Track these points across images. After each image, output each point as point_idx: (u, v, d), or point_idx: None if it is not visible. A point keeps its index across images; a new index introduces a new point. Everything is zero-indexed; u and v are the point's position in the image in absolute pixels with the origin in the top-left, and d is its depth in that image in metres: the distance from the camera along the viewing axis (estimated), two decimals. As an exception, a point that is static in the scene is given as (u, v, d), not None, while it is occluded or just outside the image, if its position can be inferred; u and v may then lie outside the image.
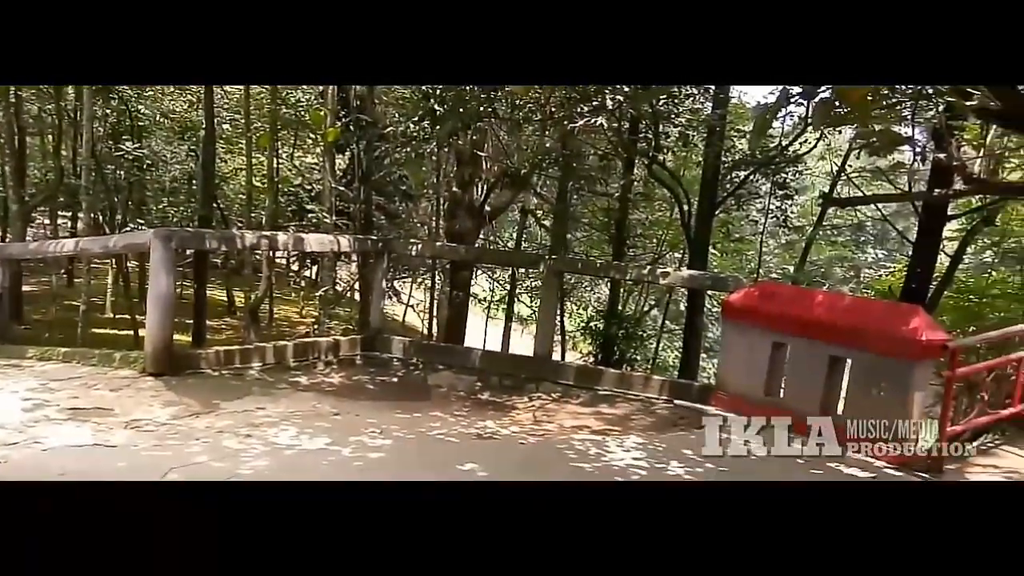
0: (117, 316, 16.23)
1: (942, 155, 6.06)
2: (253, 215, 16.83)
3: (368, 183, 12.35)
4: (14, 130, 13.45)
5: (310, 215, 15.91)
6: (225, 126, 17.80)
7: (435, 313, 17.90)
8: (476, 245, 15.14)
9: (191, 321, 13.97)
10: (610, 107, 8.56)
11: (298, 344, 8.87)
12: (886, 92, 5.27)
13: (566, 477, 5.28)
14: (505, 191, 15.22)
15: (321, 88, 14.41)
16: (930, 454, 6.02)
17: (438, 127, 9.55)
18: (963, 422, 6.31)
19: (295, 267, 25.17)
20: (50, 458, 4.72)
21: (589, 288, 20.19)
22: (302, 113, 16.02)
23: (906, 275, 11.92)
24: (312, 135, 17.53)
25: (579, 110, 8.71)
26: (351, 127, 11.45)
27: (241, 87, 14.80)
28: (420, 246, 11.68)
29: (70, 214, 19.17)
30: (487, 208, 14.79)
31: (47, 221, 19.83)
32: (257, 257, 14.70)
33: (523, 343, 19.07)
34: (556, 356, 14.94)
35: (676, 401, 7.99)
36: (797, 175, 14.96)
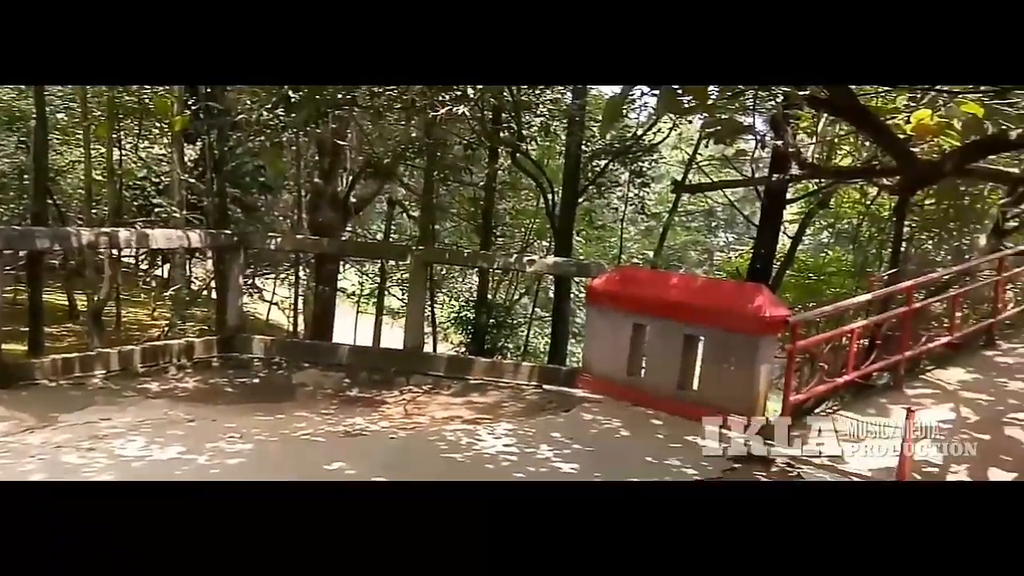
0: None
1: (779, 142, 6.53)
2: (94, 211, 15.51)
3: (221, 174, 11.65)
4: None
5: (158, 210, 14.86)
6: (60, 115, 16.27)
7: (301, 310, 17.30)
8: (344, 238, 14.74)
9: (27, 329, 12.70)
10: (472, 96, 8.55)
11: (147, 348, 8.25)
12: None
13: (438, 469, 5.25)
14: (370, 182, 14.90)
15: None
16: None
17: (294, 114, 9.15)
18: (805, 391, 6.84)
19: (145, 266, 23.48)
20: None
21: (460, 279, 20.21)
22: (146, 101, 14.90)
23: (751, 256, 12.73)
24: (158, 124, 16.33)
25: (441, 99, 8.63)
26: (201, 115, 10.75)
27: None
28: (280, 240, 11.19)
29: None
30: (352, 199, 14.42)
31: None
32: (100, 257, 13.58)
33: (395, 337, 18.82)
34: (428, 348, 14.89)
35: (545, 386, 8.14)
36: (653, 164, 15.62)
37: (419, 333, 9.75)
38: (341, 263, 16.35)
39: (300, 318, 17.30)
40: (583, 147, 13.40)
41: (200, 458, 5.15)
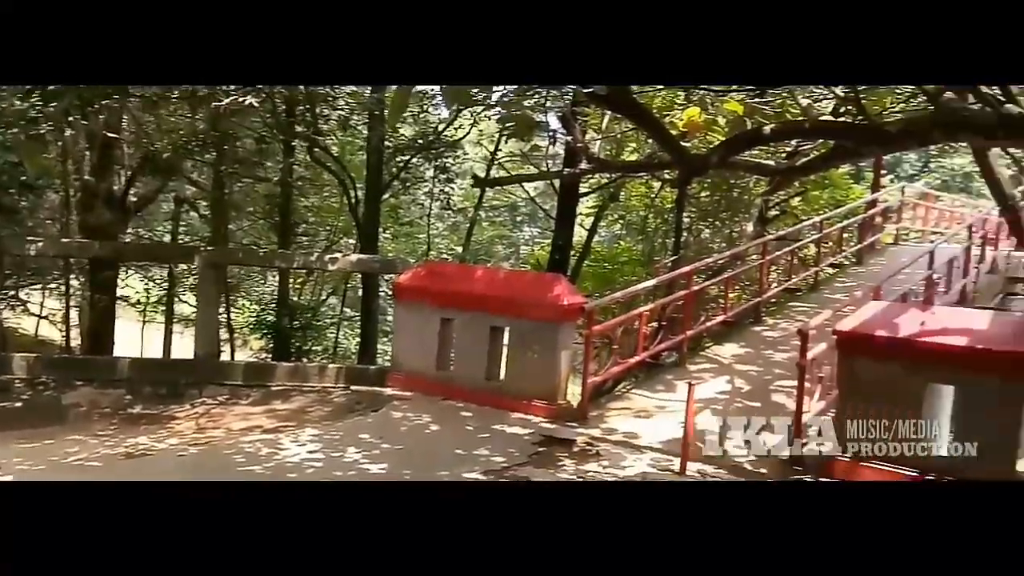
0: None
1: (570, 138, 6.83)
2: None
3: (-34, 172, 10.09)
4: None
5: None
6: None
7: (76, 322, 15.45)
8: (126, 241, 13.36)
9: None
10: (260, 86, 8.06)
11: None
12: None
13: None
14: (152, 178, 13.62)
15: None
16: (577, 405, 6.81)
17: (54, 104, 8.09)
18: (602, 373, 7.24)
19: None
20: None
21: (259, 280, 19.14)
22: None
23: (551, 248, 13.28)
24: None
25: (225, 88, 8.05)
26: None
27: None
28: (41, 244, 9.91)
29: None
30: (132, 198, 13.10)
31: None
32: None
33: (189, 346, 17.44)
34: (225, 356, 13.94)
35: (353, 387, 7.92)
36: (456, 160, 15.77)
37: (212, 340, 9.07)
38: (122, 268, 14.82)
39: (75, 331, 15.47)
40: (386, 142, 13.19)
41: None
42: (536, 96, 7.45)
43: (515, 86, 5.96)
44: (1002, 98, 3.98)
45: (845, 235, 12.33)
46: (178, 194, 15.84)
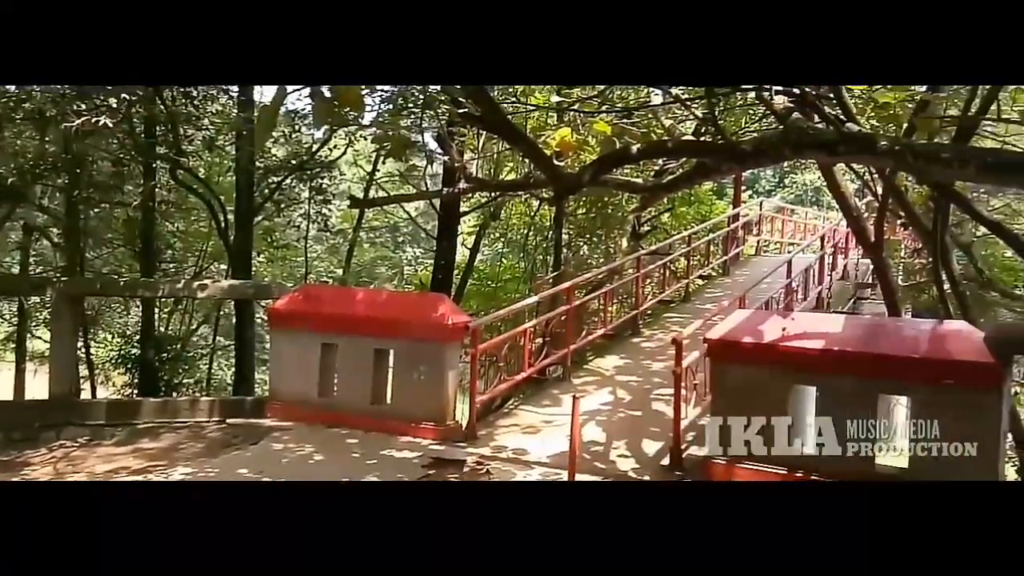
0: None
1: (447, 158, 6.84)
2: None
3: None
4: None
5: None
6: None
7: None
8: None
9: None
10: (115, 106, 7.57)
11: None
12: (387, 93, 5.71)
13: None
14: (-6, 205, 12.46)
15: None
16: (465, 424, 6.79)
17: None
18: (489, 391, 7.25)
19: None
20: None
21: (122, 311, 17.89)
22: None
23: (433, 268, 13.24)
24: None
25: (77, 107, 7.51)
26: None
27: None
28: None
29: None
30: (-31, 227, 11.96)
31: None
32: None
33: (44, 385, 16.01)
34: (85, 394, 12.92)
35: (229, 420, 7.53)
36: (333, 180, 15.44)
37: (69, 378, 8.38)
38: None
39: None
40: (256, 163, 12.72)
41: None
42: (412, 116, 7.45)
43: (390, 106, 5.94)
44: (843, 118, 4.35)
45: (712, 248, 13.07)
46: (27, 221, 14.57)
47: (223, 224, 13.19)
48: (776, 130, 5.11)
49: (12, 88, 8.21)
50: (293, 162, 13.33)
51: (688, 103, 6.29)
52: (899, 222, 11.80)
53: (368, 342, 7.09)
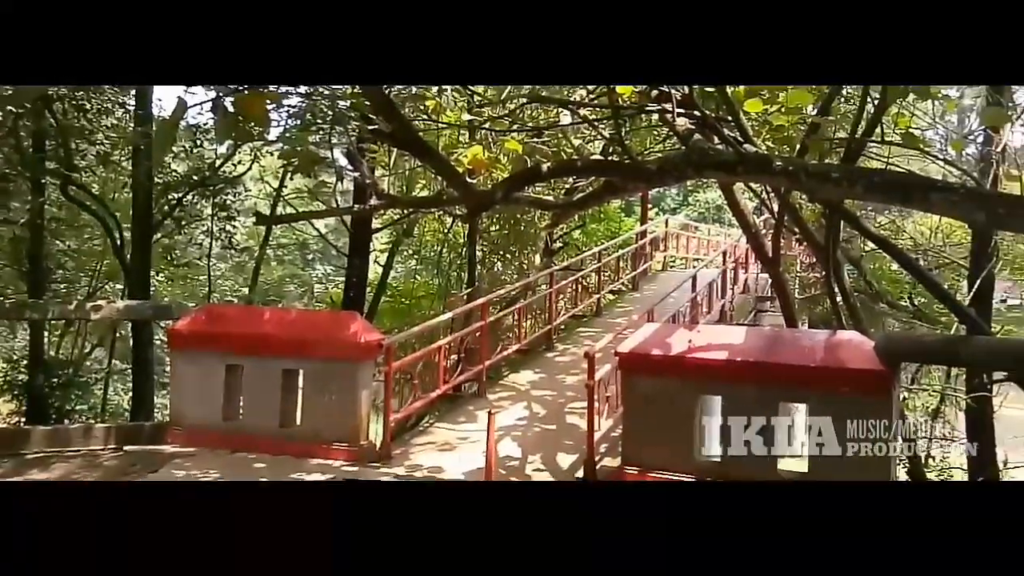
0: None
1: (357, 174, 6.75)
2: None
3: None
4: None
5: None
6: None
7: None
8: None
9: None
10: (0, 119, 7.10)
11: None
12: (295, 108, 5.61)
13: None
14: None
15: None
16: (379, 444, 6.67)
17: None
18: (404, 409, 7.16)
19: None
20: None
21: (7, 335, 16.71)
22: None
23: (345, 286, 13.00)
24: None
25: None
26: None
27: None
28: None
29: None
30: None
31: None
32: None
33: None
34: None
35: (126, 447, 7.13)
36: (238, 196, 14.96)
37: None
38: None
39: None
40: (155, 178, 12.18)
41: None
42: (320, 132, 7.30)
43: (297, 122, 5.83)
44: (741, 139, 4.56)
45: (621, 264, 13.41)
46: None
47: (119, 242, 12.54)
48: (679, 151, 5.31)
49: None
50: (195, 178, 12.85)
51: (595, 123, 6.46)
52: (794, 238, 12.43)
53: (276, 363, 6.87)
